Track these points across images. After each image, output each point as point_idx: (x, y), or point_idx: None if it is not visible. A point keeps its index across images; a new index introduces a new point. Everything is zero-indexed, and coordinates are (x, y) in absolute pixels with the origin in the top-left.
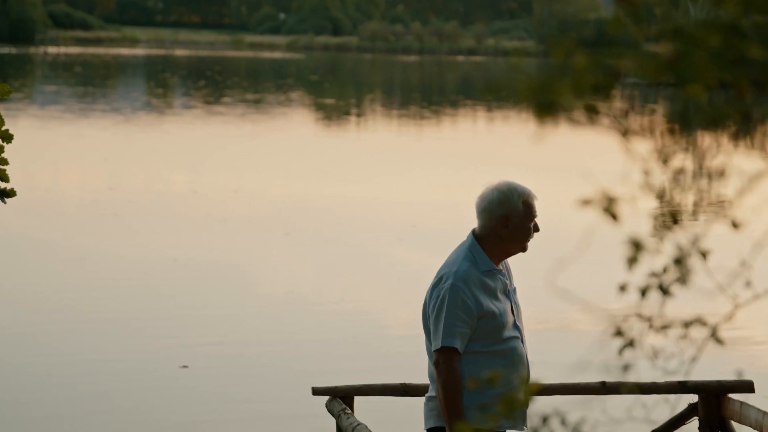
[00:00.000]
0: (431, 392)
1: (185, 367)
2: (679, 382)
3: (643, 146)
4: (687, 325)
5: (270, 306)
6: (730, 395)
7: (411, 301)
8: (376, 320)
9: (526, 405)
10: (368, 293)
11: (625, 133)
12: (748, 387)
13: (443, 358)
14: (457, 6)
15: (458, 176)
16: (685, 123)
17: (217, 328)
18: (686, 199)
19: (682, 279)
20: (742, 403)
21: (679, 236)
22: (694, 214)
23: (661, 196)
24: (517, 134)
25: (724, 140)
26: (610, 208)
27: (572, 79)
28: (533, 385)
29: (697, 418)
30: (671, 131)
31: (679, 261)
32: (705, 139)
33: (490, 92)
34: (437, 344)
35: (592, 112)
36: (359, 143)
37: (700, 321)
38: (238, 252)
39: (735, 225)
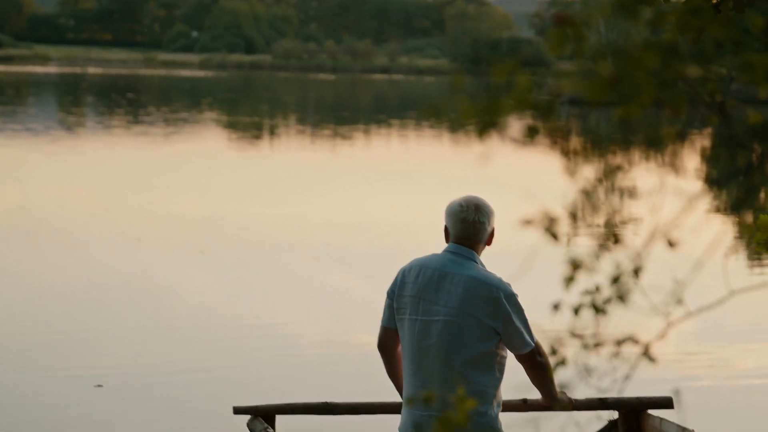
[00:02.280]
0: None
1: (100, 386)
2: (599, 399)
3: (579, 167)
4: (619, 343)
5: (186, 324)
6: (650, 411)
7: (327, 319)
8: (292, 339)
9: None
10: (284, 312)
11: (568, 153)
12: (667, 403)
13: (542, 350)
14: (371, 24)
15: (373, 195)
16: (598, 140)
17: (133, 347)
18: (598, 217)
19: (622, 297)
20: (661, 419)
21: (618, 255)
22: (606, 231)
23: (573, 214)
24: (431, 152)
25: (636, 158)
26: (551, 228)
27: (515, 99)
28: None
29: None
30: (584, 149)
31: (617, 280)
32: (617, 157)
33: (430, 113)
34: (532, 342)
35: (533, 133)
36: (274, 162)
37: (632, 339)
38: (153, 271)
39: (671, 244)
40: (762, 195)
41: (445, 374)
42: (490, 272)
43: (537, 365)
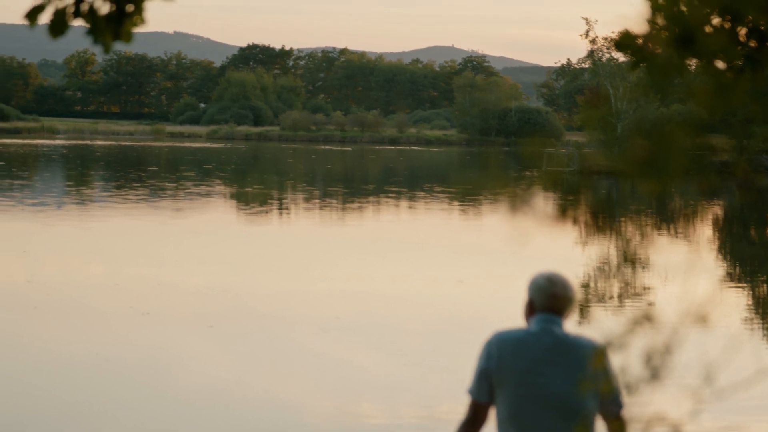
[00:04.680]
0: None
1: None
2: None
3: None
4: (649, 423)
5: (196, 398)
6: None
7: (336, 393)
8: (302, 412)
9: None
10: (293, 385)
11: (598, 230)
12: None
13: None
14: (378, 95)
15: (383, 267)
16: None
17: (143, 421)
18: (611, 288)
19: (655, 375)
20: None
21: (651, 334)
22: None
23: (586, 285)
24: (442, 224)
25: (648, 229)
26: (584, 308)
27: (550, 176)
28: None
29: None
30: (595, 221)
31: (650, 359)
32: (628, 228)
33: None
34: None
35: (565, 210)
36: (283, 234)
37: (659, 418)
38: (163, 345)
39: (703, 321)
40: None
41: None
42: (583, 335)
43: (626, 424)
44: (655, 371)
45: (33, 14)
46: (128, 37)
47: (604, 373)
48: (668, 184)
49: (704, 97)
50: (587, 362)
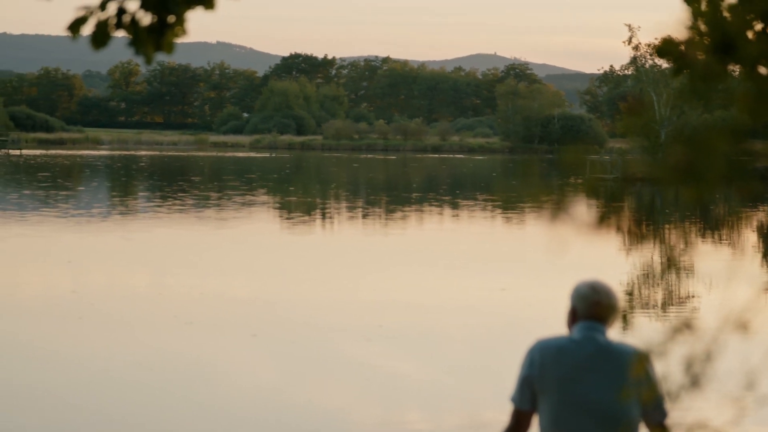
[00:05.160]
0: None
1: None
2: None
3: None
4: (690, 429)
5: (238, 408)
6: None
7: (380, 402)
8: (345, 422)
9: None
10: (337, 394)
11: (641, 238)
12: None
13: None
14: (421, 103)
15: (426, 275)
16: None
17: (187, 430)
18: (654, 295)
19: (696, 383)
20: None
21: (690, 340)
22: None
23: (629, 292)
24: (484, 232)
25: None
26: (626, 316)
27: (588, 184)
28: None
29: None
30: (639, 227)
31: (690, 366)
32: (672, 235)
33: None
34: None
35: (604, 218)
36: (325, 242)
37: (701, 425)
38: (206, 354)
39: (744, 329)
40: None
41: None
42: (625, 343)
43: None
44: (696, 378)
45: (75, 26)
46: (170, 48)
47: (647, 381)
48: (708, 191)
49: (747, 103)
50: (630, 370)
